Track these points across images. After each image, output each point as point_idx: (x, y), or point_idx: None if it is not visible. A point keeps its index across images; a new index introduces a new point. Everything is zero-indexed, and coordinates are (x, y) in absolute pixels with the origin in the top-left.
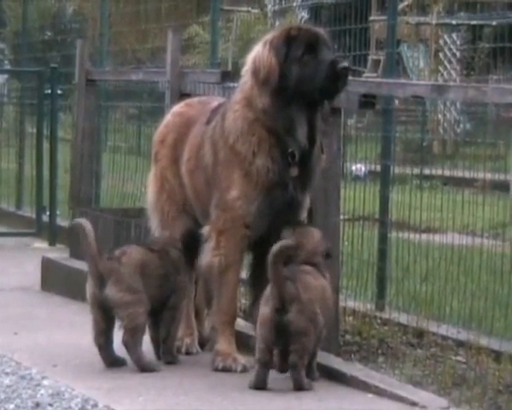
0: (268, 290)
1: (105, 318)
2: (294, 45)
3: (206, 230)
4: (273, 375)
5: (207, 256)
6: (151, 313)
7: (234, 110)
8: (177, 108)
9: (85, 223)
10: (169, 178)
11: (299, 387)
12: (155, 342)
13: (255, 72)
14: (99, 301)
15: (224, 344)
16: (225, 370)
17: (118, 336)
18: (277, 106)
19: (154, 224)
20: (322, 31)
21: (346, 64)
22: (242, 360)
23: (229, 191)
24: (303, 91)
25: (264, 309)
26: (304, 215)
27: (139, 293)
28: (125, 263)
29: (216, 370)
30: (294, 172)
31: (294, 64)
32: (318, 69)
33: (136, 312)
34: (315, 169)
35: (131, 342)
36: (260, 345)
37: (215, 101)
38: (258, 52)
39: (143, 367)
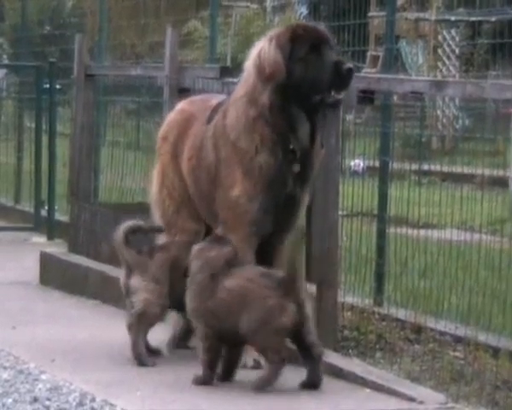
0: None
1: None
2: (299, 44)
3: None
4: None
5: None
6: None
7: (236, 107)
8: (180, 105)
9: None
10: (169, 174)
11: (319, 383)
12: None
13: (260, 68)
14: (127, 290)
15: None
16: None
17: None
18: (281, 103)
19: (156, 217)
20: (325, 30)
21: (350, 65)
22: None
23: (232, 189)
24: (306, 90)
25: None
26: (303, 212)
27: (161, 284)
28: (156, 256)
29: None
30: (296, 168)
31: (299, 63)
32: (323, 69)
33: (150, 300)
34: (315, 165)
35: (135, 326)
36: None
37: (216, 98)
38: (264, 48)
39: (136, 357)
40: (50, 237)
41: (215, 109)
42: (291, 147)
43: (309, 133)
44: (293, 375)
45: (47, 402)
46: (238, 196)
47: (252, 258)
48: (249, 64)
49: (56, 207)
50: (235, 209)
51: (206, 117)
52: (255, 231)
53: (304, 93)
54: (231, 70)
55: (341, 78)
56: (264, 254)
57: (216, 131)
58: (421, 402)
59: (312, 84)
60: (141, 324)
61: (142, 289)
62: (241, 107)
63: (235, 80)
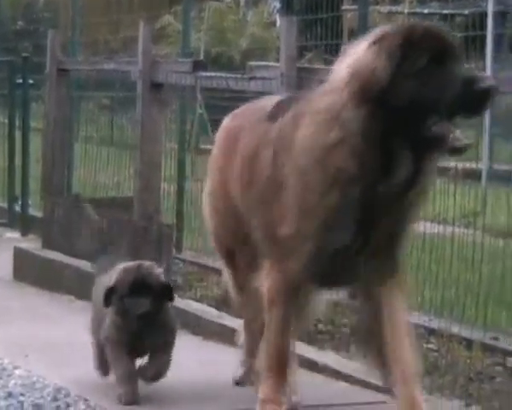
0: None
1: None
2: (415, 52)
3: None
4: None
5: (260, 283)
6: None
7: (313, 121)
8: (224, 121)
9: None
10: (219, 207)
11: None
12: None
13: (355, 80)
14: None
15: (265, 392)
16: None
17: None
18: (377, 131)
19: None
20: (451, 36)
21: (489, 84)
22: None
23: (282, 224)
24: (419, 115)
25: None
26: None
27: None
28: None
29: None
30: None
31: (413, 77)
32: (449, 87)
33: None
34: (406, 220)
35: None
36: None
37: (259, 103)
38: (365, 54)
39: None
40: (24, 233)
41: (281, 106)
42: (378, 187)
43: (408, 178)
44: None
45: (21, 398)
46: (288, 235)
47: (295, 297)
48: (340, 69)
49: (30, 203)
50: (282, 248)
51: (267, 113)
52: (304, 279)
53: (414, 120)
54: (204, 64)
55: (477, 100)
56: None
57: (280, 137)
58: (396, 395)
59: (431, 107)
60: None
61: None
62: (320, 126)
63: (208, 74)
